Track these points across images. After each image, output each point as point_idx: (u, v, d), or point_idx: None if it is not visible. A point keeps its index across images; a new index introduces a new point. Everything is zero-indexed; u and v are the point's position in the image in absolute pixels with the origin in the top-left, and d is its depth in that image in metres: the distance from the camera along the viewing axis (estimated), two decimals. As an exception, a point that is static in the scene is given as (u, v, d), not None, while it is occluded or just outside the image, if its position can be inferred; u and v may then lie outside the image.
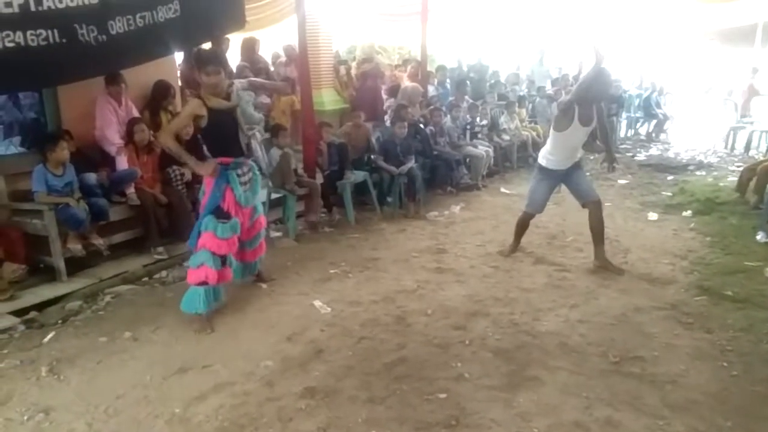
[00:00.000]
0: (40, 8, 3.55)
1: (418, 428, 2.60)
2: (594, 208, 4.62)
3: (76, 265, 4.39)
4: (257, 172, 4.05)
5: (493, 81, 10.66)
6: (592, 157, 8.16)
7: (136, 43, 4.19)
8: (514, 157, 8.98)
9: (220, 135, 3.74)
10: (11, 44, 3.48)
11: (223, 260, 3.74)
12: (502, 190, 7.64)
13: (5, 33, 3.45)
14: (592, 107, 4.44)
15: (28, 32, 3.52)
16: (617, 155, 7.83)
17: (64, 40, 3.70)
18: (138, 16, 4.15)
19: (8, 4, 3.44)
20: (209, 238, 3.65)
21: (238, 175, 3.77)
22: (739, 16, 11.88)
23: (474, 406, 2.76)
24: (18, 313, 3.80)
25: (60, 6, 3.65)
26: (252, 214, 4.02)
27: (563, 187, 4.83)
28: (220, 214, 3.70)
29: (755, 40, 16.72)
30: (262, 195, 5.85)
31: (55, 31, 3.65)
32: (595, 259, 4.67)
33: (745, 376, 3.03)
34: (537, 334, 3.56)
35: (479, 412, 2.71)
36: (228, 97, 3.75)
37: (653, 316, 3.78)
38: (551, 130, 4.65)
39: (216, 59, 3.68)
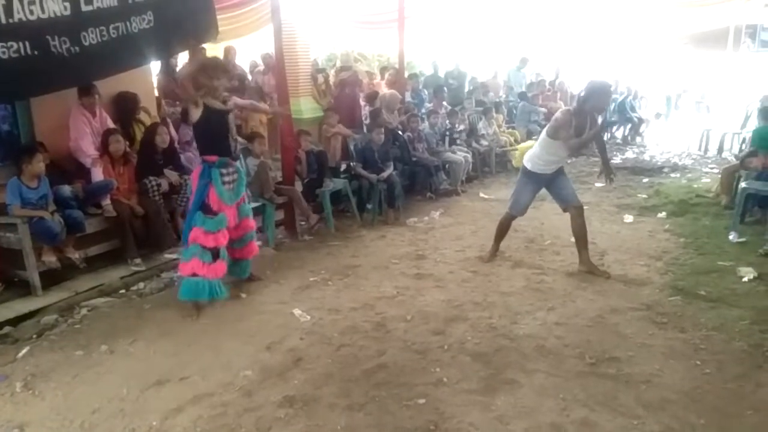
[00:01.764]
0: (11, 20, 3.51)
1: (396, 434, 2.61)
2: (576, 213, 4.66)
3: (51, 279, 4.32)
4: (243, 175, 4.29)
5: (471, 87, 10.76)
6: (570, 161, 8.24)
7: (110, 53, 4.17)
8: (493, 162, 9.06)
9: (210, 133, 4.01)
10: (-19, 56, 3.45)
11: (215, 254, 3.98)
12: (481, 195, 7.70)
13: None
14: (587, 118, 4.48)
15: (-1, 45, 3.49)
16: (593, 159, 7.97)
17: (36, 52, 3.66)
18: (111, 27, 4.13)
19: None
20: (198, 233, 3.92)
21: (222, 174, 4.01)
22: (711, 20, 12.14)
23: (452, 410, 2.79)
24: (-8, 328, 3.75)
25: (32, 18, 3.62)
26: (237, 214, 4.21)
27: (542, 191, 4.89)
28: (207, 209, 3.95)
29: (727, 43, 17.11)
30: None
31: (27, 43, 3.61)
32: (580, 264, 4.71)
33: (718, 374, 3.09)
34: (515, 337, 3.60)
35: (458, 417, 2.73)
36: (224, 103, 4.05)
37: (629, 316, 3.84)
38: (543, 136, 4.68)
39: (225, 68, 4.16)
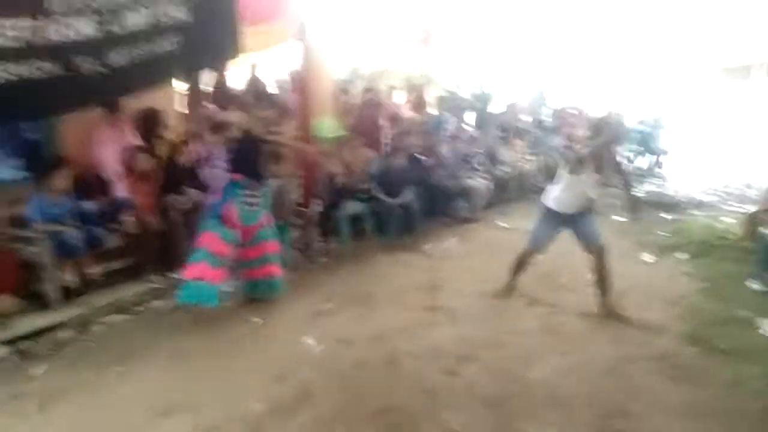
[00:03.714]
0: (40, 42, 3.58)
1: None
2: (598, 253, 4.58)
3: (69, 293, 4.39)
4: (267, 200, 4.43)
5: (495, 111, 10.73)
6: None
7: (136, 73, 4.22)
8: (513, 189, 9.00)
9: (242, 154, 4.18)
10: (12, 76, 3.51)
11: (219, 262, 4.06)
12: (499, 223, 7.65)
13: (5, 65, 3.49)
14: (604, 156, 4.43)
15: (29, 64, 3.55)
16: (613, 189, 7.84)
17: (64, 72, 3.74)
18: (139, 47, 4.20)
19: (10, 38, 3.48)
20: (209, 237, 4.04)
21: (244, 194, 4.14)
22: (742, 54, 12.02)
23: (460, 460, 2.77)
24: (10, 341, 3.81)
25: (61, 39, 3.68)
26: (254, 235, 4.30)
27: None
28: (224, 219, 4.10)
29: (751, 73, 16.87)
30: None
31: (56, 63, 3.69)
32: (600, 306, 4.62)
33: (730, 436, 3.03)
34: (526, 382, 3.57)
35: (465, 468, 2.71)
36: (268, 131, 4.23)
37: (643, 367, 3.77)
38: (561, 172, 4.66)
39: (270, 99, 4.37)
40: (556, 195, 4.66)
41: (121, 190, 4.83)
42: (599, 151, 4.39)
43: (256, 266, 4.42)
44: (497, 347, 4.03)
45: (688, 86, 17.66)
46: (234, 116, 4.36)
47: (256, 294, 4.50)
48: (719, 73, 16.44)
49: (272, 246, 4.48)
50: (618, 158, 4.64)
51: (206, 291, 3.99)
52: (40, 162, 4.63)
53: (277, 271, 4.57)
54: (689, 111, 15.32)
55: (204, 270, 3.98)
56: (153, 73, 4.37)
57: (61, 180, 4.22)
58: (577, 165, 4.41)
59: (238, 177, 4.14)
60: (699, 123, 15.59)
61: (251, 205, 4.18)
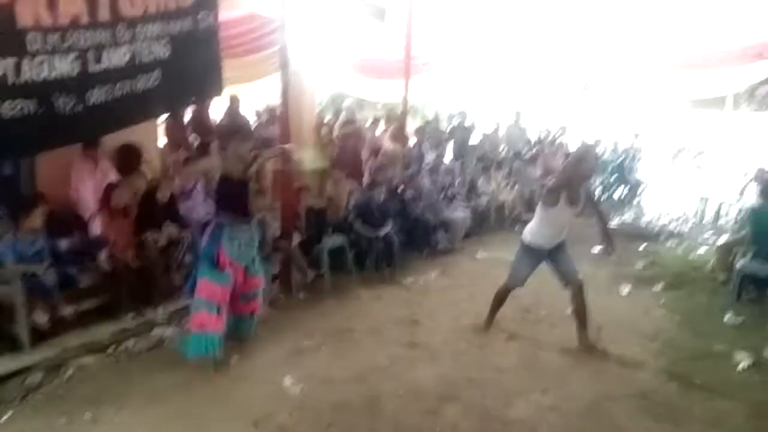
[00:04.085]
0: (17, 81, 3.53)
1: None
2: (577, 290, 4.62)
3: (40, 334, 4.26)
4: (255, 237, 4.31)
5: (474, 143, 10.87)
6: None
7: (115, 111, 4.18)
8: (492, 220, 9.08)
9: (227, 194, 4.09)
10: (-10, 115, 3.47)
11: (218, 308, 3.99)
12: (479, 255, 7.68)
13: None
14: (579, 189, 4.49)
15: (5, 104, 3.49)
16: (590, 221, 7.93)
17: (41, 111, 3.68)
18: (118, 85, 4.15)
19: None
20: (206, 284, 3.98)
21: (233, 234, 4.06)
22: (712, 86, 12.35)
23: None
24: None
25: (39, 78, 3.63)
26: (247, 272, 4.25)
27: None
28: (216, 263, 4.00)
29: (725, 105, 17.39)
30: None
31: (33, 101, 3.63)
32: (579, 342, 4.65)
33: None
34: (507, 421, 3.56)
35: None
36: (247, 167, 4.08)
37: (623, 405, 3.79)
38: (538, 207, 4.71)
39: (248, 136, 4.23)
40: (533, 230, 4.71)
41: (96, 226, 4.75)
42: (572, 184, 4.43)
43: (242, 302, 4.35)
44: (478, 386, 4.01)
45: (660, 118, 18.17)
46: (211, 162, 4.27)
47: (236, 332, 4.41)
48: (691, 105, 16.95)
49: (260, 281, 4.44)
50: (592, 192, 4.68)
51: (209, 341, 3.95)
52: (15, 199, 4.54)
53: (257, 307, 4.51)
54: (662, 142, 15.72)
55: (204, 319, 3.95)
56: (133, 110, 4.34)
57: (36, 219, 4.14)
58: (550, 199, 4.46)
59: (224, 217, 4.08)
60: (671, 153, 16.01)
61: (242, 243, 4.13)
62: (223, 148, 4.26)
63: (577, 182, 4.44)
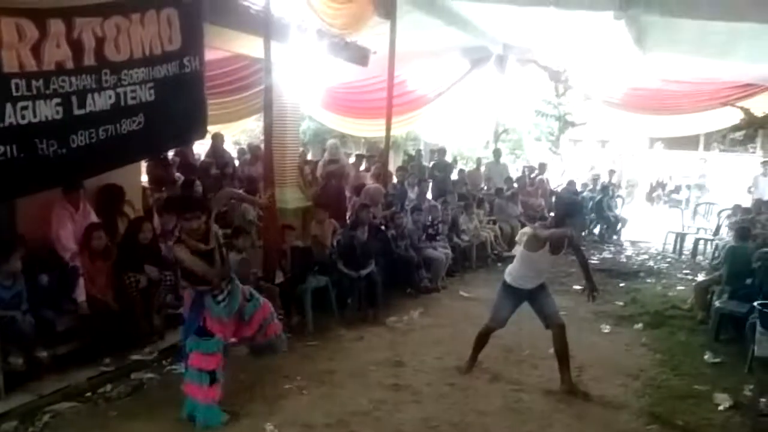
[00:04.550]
0: (1, 125, 3.54)
1: None
2: (558, 331, 4.65)
3: (15, 379, 4.16)
4: (236, 282, 4.14)
5: (455, 179, 11.01)
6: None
7: (97, 154, 4.20)
8: (474, 258, 9.13)
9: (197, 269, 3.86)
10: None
11: (212, 377, 3.87)
12: (461, 293, 7.70)
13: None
14: (564, 239, 4.51)
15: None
16: (572, 258, 8.03)
17: (22, 155, 3.68)
18: (101, 129, 4.17)
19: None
20: (195, 357, 3.86)
21: (214, 296, 3.89)
22: (683, 127, 12.77)
23: None
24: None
25: (23, 122, 3.65)
26: (242, 315, 4.13)
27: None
28: (202, 332, 3.88)
29: (698, 145, 17.91)
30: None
31: (14, 146, 3.63)
32: (561, 383, 4.65)
33: None
34: (491, 468, 3.52)
35: None
36: (206, 238, 3.84)
37: (606, 449, 3.79)
38: (520, 249, 4.76)
39: (194, 205, 3.90)
40: (513, 271, 4.75)
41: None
42: (560, 236, 4.50)
43: (258, 337, 4.30)
44: (462, 429, 4.01)
45: (636, 155, 18.64)
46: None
47: (270, 349, 4.44)
48: (667, 143, 17.47)
49: (264, 311, 4.30)
50: (577, 240, 4.75)
51: (199, 410, 3.87)
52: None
53: (277, 329, 4.44)
54: (638, 179, 16.08)
55: (195, 390, 3.87)
56: (116, 153, 4.36)
57: (13, 263, 4.08)
58: (534, 246, 4.53)
59: (203, 288, 3.89)
60: (649, 192, 16.36)
61: (225, 300, 3.96)
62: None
63: (560, 237, 4.48)
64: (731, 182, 13.80)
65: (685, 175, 16.10)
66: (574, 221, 4.54)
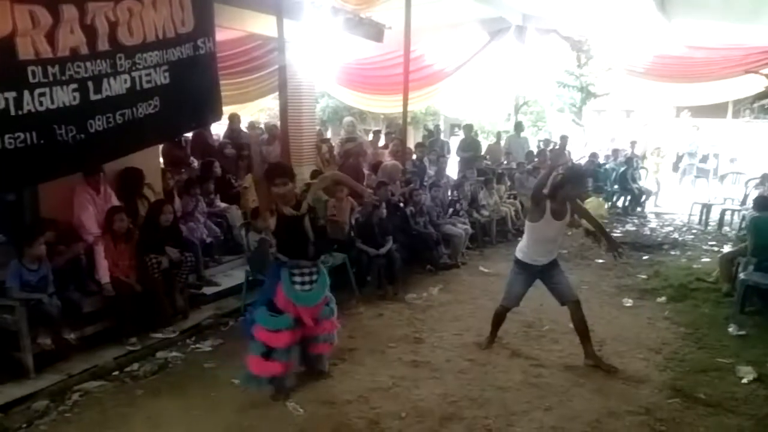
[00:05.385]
0: (20, 112, 3.57)
1: None
2: (574, 307, 4.62)
3: (45, 360, 4.30)
4: (324, 277, 4.12)
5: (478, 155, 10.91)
6: (569, 232, 8.28)
7: (115, 139, 4.22)
8: (494, 233, 9.08)
9: (284, 236, 3.97)
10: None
11: (270, 352, 3.88)
12: (481, 268, 7.68)
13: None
14: (566, 204, 4.49)
15: (6, 136, 3.53)
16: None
17: (41, 141, 3.71)
18: (118, 113, 4.18)
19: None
20: (259, 330, 3.89)
21: (293, 275, 3.90)
22: (709, 95, 12.40)
23: None
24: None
25: (41, 109, 3.67)
26: (318, 314, 4.12)
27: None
28: (272, 307, 3.92)
29: (726, 113, 17.41)
30: (240, 277, 5.93)
31: (34, 133, 3.67)
32: (585, 357, 4.64)
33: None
34: (510, 442, 3.54)
35: None
36: (298, 205, 3.92)
37: (627, 422, 3.77)
38: (526, 224, 4.73)
39: (284, 172, 3.92)
40: (524, 247, 4.71)
41: (99, 252, 4.77)
42: (555, 198, 4.39)
43: (311, 342, 4.26)
44: (481, 405, 4.01)
45: (661, 125, 18.20)
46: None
47: (316, 366, 4.39)
48: (694, 111, 17.00)
49: (331, 324, 4.32)
50: (580, 203, 4.68)
51: (258, 381, 3.97)
52: (19, 225, 4.59)
53: (328, 349, 4.42)
54: (665, 150, 15.71)
55: (254, 362, 3.91)
56: (133, 137, 4.38)
57: (38, 247, 4.18)
58: (534, 214, 4.48)
59: (284, 258, 3.93)
60: (675, 162, 15.99)
61: (304, 285, 3.94)
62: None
63: (560, 199, 4.42)
64: (760, 151, 13.43)
65: (712, 143, 15.73)
66: (572, 189, 4.42)
